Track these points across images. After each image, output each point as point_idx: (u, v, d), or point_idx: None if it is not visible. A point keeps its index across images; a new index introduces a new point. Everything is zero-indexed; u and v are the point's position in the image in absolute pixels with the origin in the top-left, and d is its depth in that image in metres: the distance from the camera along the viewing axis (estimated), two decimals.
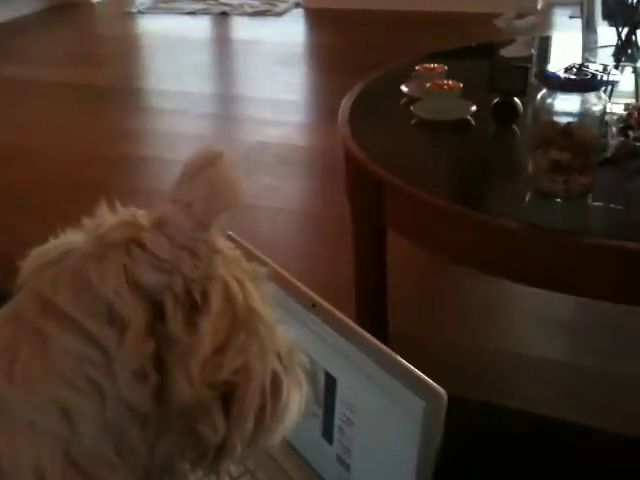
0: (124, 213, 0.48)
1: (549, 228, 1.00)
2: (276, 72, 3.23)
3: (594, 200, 1.05)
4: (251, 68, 3.42)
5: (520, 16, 1.65)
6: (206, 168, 0.45)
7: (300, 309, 0.66)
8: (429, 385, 0.54)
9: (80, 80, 3.20)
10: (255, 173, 2.36)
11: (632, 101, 1.31)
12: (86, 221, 0.48)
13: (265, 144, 2.54)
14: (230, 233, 0.56)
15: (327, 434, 0.69)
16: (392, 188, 1.13)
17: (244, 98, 3.08)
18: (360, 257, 1.27)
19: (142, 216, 0.46)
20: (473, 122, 1.31)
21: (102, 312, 0.43)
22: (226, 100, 3.09)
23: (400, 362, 0.57)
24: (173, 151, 2.55)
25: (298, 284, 0.66)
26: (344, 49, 3.34)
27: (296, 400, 0.51)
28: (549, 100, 1.02)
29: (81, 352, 0.43)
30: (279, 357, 0.51)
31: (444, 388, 0.53)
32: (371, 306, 1.28)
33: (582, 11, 1.39)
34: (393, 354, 0.58)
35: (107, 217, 0.47)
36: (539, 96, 1.02)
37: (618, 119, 1.23)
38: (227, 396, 0.46)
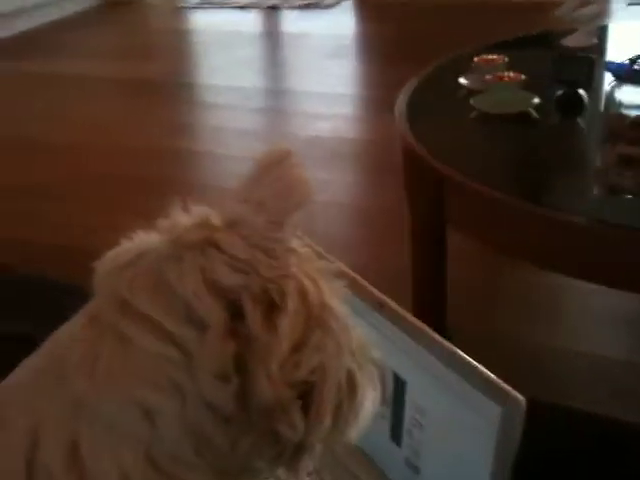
0: (197, 213, 0.48)
1: (616, 224, 0.96)
2: (326, 65, 3.22)
3: None
4: (301, 61, 3.42)
5: (581, 5, 1.60)
6: (275, 167, 0.45)
7: (367, 309, 0.65)
8: (506, 391, 0.52)
9: (133, 75, 3.25)
10: (307, 167, 2.35)
11: None
12: (160, 222, 0.48)
13: (317, 138, 2.53)
14: (298, 233, 0.56)
15: (395, 437, 0.68)
16: (453, 184, 1.11)
17: (295, 92, 3.08)
18: (419, 253, 1.25)
19: (215, 216, 0.46)
20: (536, 115, 1.27)
21: (181, 313, 0.43)
22: (277, 94, 3.09)
23: (473, 365, 0.55)
24: (224, 146, 2.57)
25: (365, 283, 0.65)
26: (394, 40, 3.30)
27: (370, 398, 0.50)
28: (617, 92, 0.98)
29: (161, 352, 0.43)
30: (353, 354, 0.50)
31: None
32: (430, 302, 1.26)
33: None
34: (466, 357, 0.57)
35: (181, 218, 0.47)
36: (607, 88, 0.98)
37: None
38: (305, 395, 0.46)
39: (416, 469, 0.66)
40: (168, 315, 0.43)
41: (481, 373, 0.55)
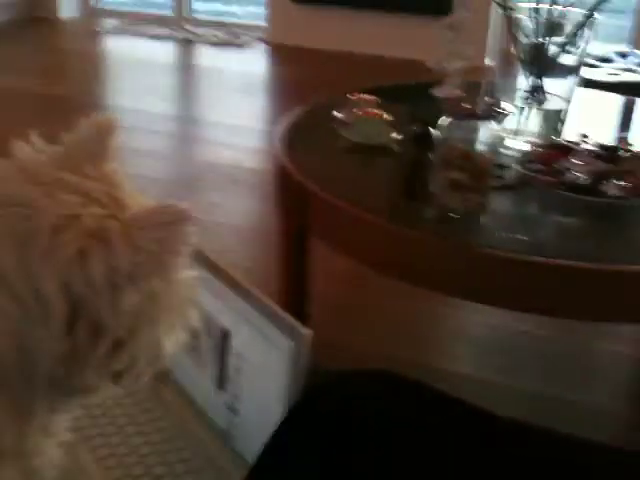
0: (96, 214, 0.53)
1: (442, 237, 1.13)
2: (233, 99, 3.37)
3: (487, 217, 1.19)
4: (210, 94, 3.55)
5: (450, 58, 1.82)
6: (168, 226, 0.51)
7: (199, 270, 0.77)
8: (295, 326, 0.65)
9: (41, 91, 3.28)
10: (203, 190, 2.47)
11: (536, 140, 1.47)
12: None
13: (214, 164, 2.65)
14: None
15: (221, 384, 0.79)
16: (315, 198, 1.26)
17: (199, 120, 3.20)
18: (284, 258, 1.39)
19: (114, 227, 0.52)
20: (396, 147, 1.45)
21: (40, 298, 0.50)
22: (181, 120, 3.21)
23: (276, 310, 0.68)
24: (125, 165, 2.64)
25: (204, 253, 0.76)
26: (299, 82, 3.50)
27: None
28: (452, 127, 1.16)
29: (17, 317, 0.50)
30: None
31: None
32: (292, 295, 1.41)
33: (498, 58, 1.56)
34: (274, 305, 0.69)
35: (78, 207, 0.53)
36: (440, 121, 1.16)
37: (522, 154, 1.39)
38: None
39: (236, 411, 0.77)
40: (28, 293, 0.50)
41: (280, 314, 0.67)
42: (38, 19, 4.46)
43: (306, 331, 0.64)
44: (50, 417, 0.57)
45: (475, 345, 1.70)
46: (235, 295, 0.74)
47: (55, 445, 0.59)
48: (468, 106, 1.17)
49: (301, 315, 1.42)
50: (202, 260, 0.76)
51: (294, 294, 1.41)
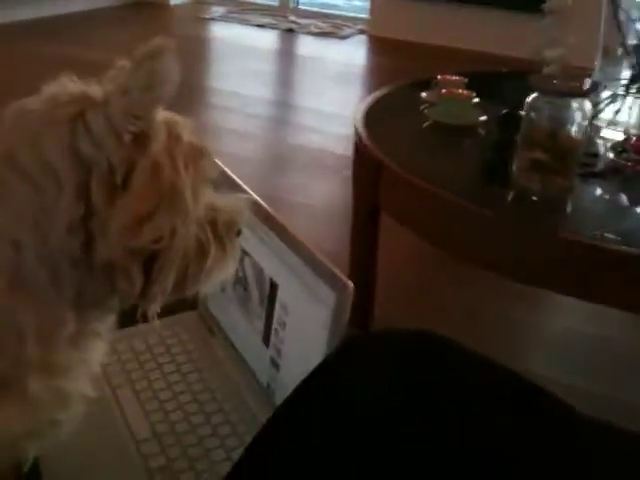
0: (79, 87, 0.56)
1: (519, 221, 1.07)
2: (330, 87, 3.37)
3: (571, 202, 1.12)
4: (307, 81, 3.57)
5: (550, 45, 1.73)
6: (151, 60, 0.52)
7: (255, 220, 0.75)
8: (339, 278, 0.63)
9: None
10: (289, 172, 2.48)
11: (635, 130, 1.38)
12: (46, 88, 0.56)
13: (304, 147, 2.66)
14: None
15: (266, 338, 0.77)
16: (389, 173, 1.22)
17: (294, 106, 3.22)
18: (356, 231, 1.37)
19: (97, 92, 0.54)
20: (480, 129, 1.39)
21: (47, 170, 0.52)
22: (277, 105, 3.24)
23: (322, 261, 0.66)
24: (218, 144, 2.69)
25: (255, 197, 0.75)
26: (396, 73, 3.45)
27: (221, 267, 0.61)
28: (538, 104, 1.10)
29: (31, 199, 0.52)
30: (213, 229, 0.60)
31: None
32: (362, 275, 1.38)
33: (599, 40, 1.47)
34: (320, 256, 0.67)
35: (65, 89, 0.56)
36: (529, 99, 1.10)
37: (616, 143, 1.30)
38: (149, 258, 0.56)
39: (277, 367, 0.76)
40: (38, 169, 0.52)
41: (325, 265, 0.65)
42: (149, 4, 4.63)
43: (349, 283, 0.62)
44: (80, 330, 0.56)
45: (542, 343, 1.61)
46: (285, 246, 0.72)
47: (87, 368, 0.59)
48: (559, 82, 1.10)
49: (366, 295, 1.39)
50: (257, 209, 0.75)
51: (361, 273, 1.38)
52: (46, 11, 4.09)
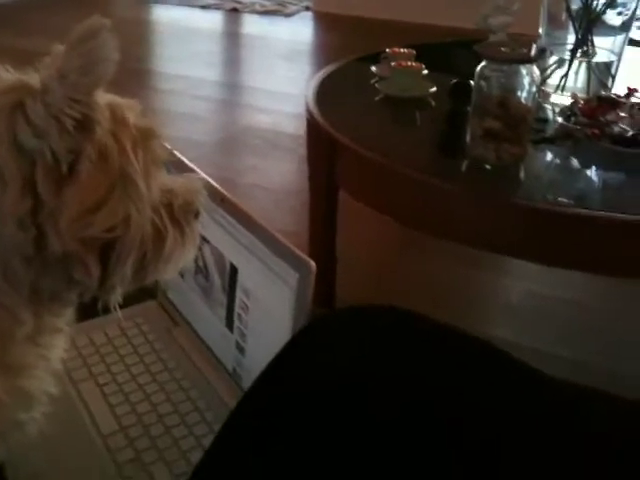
0: (16, 77, 0.54)
1: (472, 190, 1.08)
2: (277, 66, 3.33)
3: (524, 169, 1.13)
4: (254, 60, 3.52)
5: (495, 14, 1.74)
6: (86, 41, 0.50)
7: (210, 204, 0.74)
8: (301, 258, 0.62)
9: None
10: (241, 154, 2.46)
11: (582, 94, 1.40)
12: None
13: (255, 128, 2.63)
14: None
15: (229, 323, 0.76)
16: (343, 149, 1.22)
17: (243, 86, 3.18)
18: (314, 211, 1.36)
19: (34, 79, 0.52)
20: (431, 101, 1.39)
21: None
22: (225, 86, 3.19)
23: (283, 242, 0.65)
24: (166, 127, 2.64)
25: (209, 180, 0.74)
26: (343, 49, 3.42)
27: (180, 251, 0.59)
28: (487, 72, 1.10)
29: None
30: (170, 212, 0.58)
31: None
32: (322, 254, 1.37)
33: (543, 6, 1.48)
34: (280, 237, 0.66)
35: (2, 77, 0.54)
36: (478, 68, 1.10)
37: (564, 107, 1.32)
38: (106, 247, 0.54)
39: (242, 351, 0.75)
40: None
41: (287, 246, 0.64)
42: None
43: (311, 262, 0.61)
44: (38, 326, 0.54)
45: (511, 311, 1.64)
46: (244, 229, 0.71)
47: (47, 366, 0.57)
48: (507, 50, 1.10)
49: (328, 275, 1.38)
50: (212, 192, 0.73)
51: (322, 252, 1.38)
52: None
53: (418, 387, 0.51)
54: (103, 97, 0.54)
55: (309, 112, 1.34)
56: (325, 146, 1.25)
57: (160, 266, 0.58)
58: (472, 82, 1.35)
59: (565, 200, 1.04)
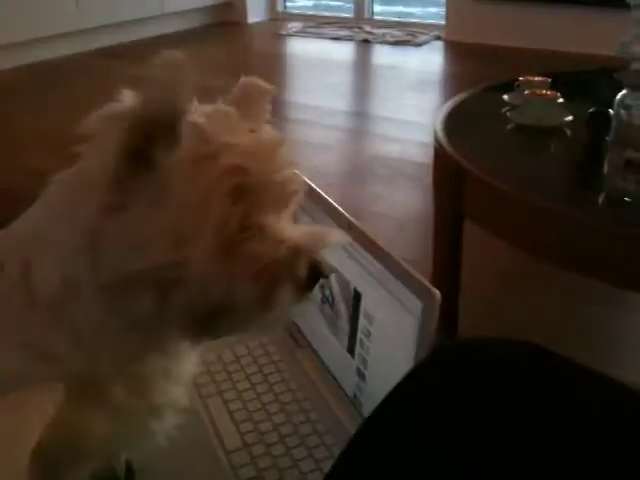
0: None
1: (613, 223, 1.02)
2: (407, 96, 3.35)
3: None
4: (384, 90, 3.56)
5: (638, 41, 1.66)
6: (164, 72, 0.53)
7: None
8: (426, 287, 0.61)
9: (230, 88, 3.48)
10: (370, 182, 2.48)
11: None
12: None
13: (383, 157, 2.65)
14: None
15: (350, 349, 0.77)
16: (470, 176, 1.20)
17: (372, 116, 3.22)
18: (439, 241, 1.34)
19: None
20: (567, 130, 1.34)
21: None
22: (355, 116, 3.24)
23: (408, 270, 0.65)
24: (300, 157, 2.72)
25: (336, 206, 0.75)
26: (475, 78, 3.39)
27: (256, 324, 0.57)
28: (629, 101, 1.05)
29: None
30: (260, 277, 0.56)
31: None
32: (446, 284, 1.35)
33: None
34: (406, 265, 0.66)
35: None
36: (618, 96, 1.05)
37: None
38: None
39: (363, 376, 0.75)
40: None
41: (412, 275, 0.64)
42: (229, 23, 4.75)
43: (436, 292, 0.60)
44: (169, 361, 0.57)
45: None
46: (370, 256, 0.71)
47: (179, 379, 0.60)
48: None
49: (451, 305, 1.36)
50: (339, 221, 0.74)
51: (446, 282, 1.35)
52: (136, 35, 4.26)
53: (556, 439, 0.46)
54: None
55: (437, 140, 1.34)
56: (452, 175, 1.24)
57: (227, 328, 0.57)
58: (611, 111, 1.30)
59: None
